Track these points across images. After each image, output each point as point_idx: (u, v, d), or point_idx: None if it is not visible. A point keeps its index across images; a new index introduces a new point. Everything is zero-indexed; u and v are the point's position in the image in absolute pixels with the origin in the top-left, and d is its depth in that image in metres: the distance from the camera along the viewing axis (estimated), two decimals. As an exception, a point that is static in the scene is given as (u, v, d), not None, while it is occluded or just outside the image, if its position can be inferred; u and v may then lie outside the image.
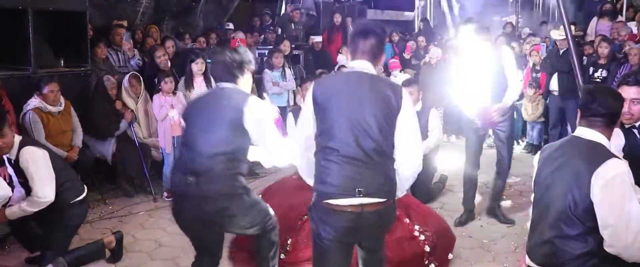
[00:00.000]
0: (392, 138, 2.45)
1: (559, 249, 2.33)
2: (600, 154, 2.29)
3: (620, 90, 2.67)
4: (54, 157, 3.49)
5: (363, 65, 2.51)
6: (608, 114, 2.36)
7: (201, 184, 2.68)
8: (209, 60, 6.33)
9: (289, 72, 6.92)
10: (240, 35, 7.57)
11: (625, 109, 2.63)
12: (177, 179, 2.81)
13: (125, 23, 6.82)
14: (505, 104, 4.36)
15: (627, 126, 2.86)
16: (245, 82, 2.93)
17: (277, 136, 2.81)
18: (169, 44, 6.39)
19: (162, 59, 5.77)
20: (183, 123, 2.95)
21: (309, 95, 2.54)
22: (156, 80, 5.41)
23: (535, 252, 2.48)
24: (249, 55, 2.95)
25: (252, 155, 2.87)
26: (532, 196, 2.58)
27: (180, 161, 2.89)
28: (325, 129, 2.46)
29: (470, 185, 4.61)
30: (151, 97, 5.45)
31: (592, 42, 7.41)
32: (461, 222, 4.52)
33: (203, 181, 2.68)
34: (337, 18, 9.31)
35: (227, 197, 2.73)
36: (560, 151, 2.45)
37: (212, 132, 2.72)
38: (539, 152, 2.59)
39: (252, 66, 2.99)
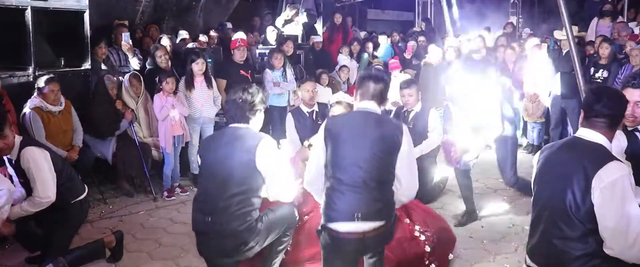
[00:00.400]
0: (392, 169, 2.74)
1: (560, 249, 2.33)
2: (601, 156, 2.28)
3: (624, 93, 2.67)
4: (54, 157, 3.49)
5: (370, 106, 2.81)
6: (611, 116, 2.35)
7: (218, 224, 2.91)
8: (210, 60, 6.34)
9: (289, 72, 6.92)
10: (241, 35, 7.56)
11: (629, 111, 2.63)
12: (197, 218, 3.02)
13: (126, 23, 6.81)
14: (474, 148, 4.34)
15: (629, 129, 2.85)
16: (257, 121, 3.08)
17: (288, 176, 3.04)
18: (166, 42, 6.40)
19: (163, 59, 5.77)
20: (199, 160, 3.16)
21: (321, 129, 2.85)
22: (157, 80, 5.41)
23: (536, 253, 2.48)
24: (260, 96, 3.07)
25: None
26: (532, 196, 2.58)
27: (198, 200, 3.07)
28: (333, 159, 2.75)
29: (464, 186, 4.60)
30: (151, 97, 5.45)
31: (593, 42, 7.41)
32: (461, 223, 4.52)
33: (220, 221, 2.91)
34: (338, 18, 9.31)
35: (242, 232, 2.92)
36: (561, 152, 2.45)
37: (226, 174, 2.91)
38: (538, 152, 2.59)
39: (264, 106, 3.12)
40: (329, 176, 2.77)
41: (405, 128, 2.79)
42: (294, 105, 7.12)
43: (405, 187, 2.78)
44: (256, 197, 2.98)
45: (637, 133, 2.86)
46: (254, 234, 2.95)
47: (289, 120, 4.93)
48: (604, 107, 2.33)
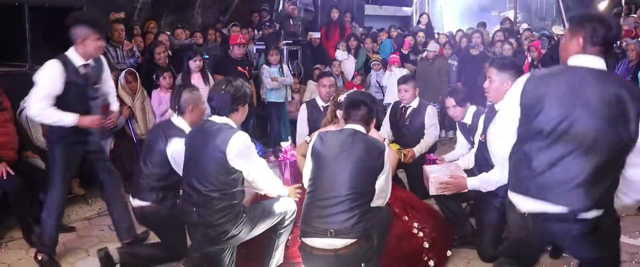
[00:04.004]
0: (372, 186, 2.88)
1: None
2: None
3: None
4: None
5: (357, 127, 2.95)
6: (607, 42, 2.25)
7: (202, 215, 2.98)
8: (207, 56, 6.34)
9: (286, 68, 6.98)
10: (236, 30, 7.57)
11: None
12: (185, 209, 3.06)
13: (122, 15, 6.77)
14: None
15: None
16: (238, 115, 3.07)
17: (265, 170, 3.07)
18: (163, 38, 6.38)
19: (162, 55, 5.77)
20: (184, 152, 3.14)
21: (310, 145, 2.97)
22: (154, 76, 5.40)
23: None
24: (245, 90, 3.05)
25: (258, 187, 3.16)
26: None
27: (185, 192, 3.11)
28: (315, 175, 2.89)
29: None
30: (149, 94, 5.44)
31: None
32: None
33: (203, 213, 2.97)
34: (334, 14, 9.32)
35: (224, 224, 2.96)
36: (569, 78, 2.23)
37: (202, 172, 2.95)
38: (521, 79, 2.34)
39: (248, 99, 3.11)
40: (310, 191, 2.89)
41: (387, 148, 2.97)
42: (292, 100, 7.16)
43: (377, 195, 2.95)
44: (236, 191, 2.99)
45: None
46: (237, 225, 2.99)
47: (303, 111, 4.91)
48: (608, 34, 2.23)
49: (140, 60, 6.26)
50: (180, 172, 3.23)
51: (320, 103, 4.91)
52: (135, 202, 3.38)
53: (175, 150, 3.25)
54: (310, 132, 4.58)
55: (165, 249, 3.52)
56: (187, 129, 3.36)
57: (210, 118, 3.07)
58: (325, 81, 4.96)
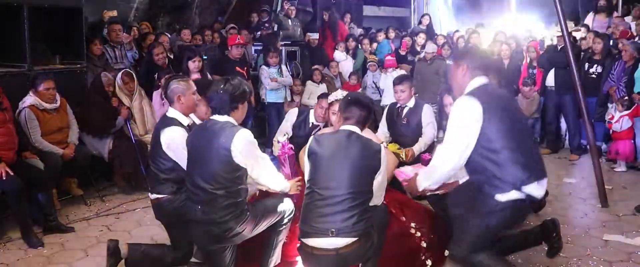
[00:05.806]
0: (370, 187, 2.90)
1: None
2: None
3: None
4: None
5: (353, 129, 2.98)
6: None
7: (206, 213, 3.00)
8: (205, 57, 6.35)
9: (285, 68, 7.00)
10: (235, 31, 7.58)
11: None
12: (190, 207, 3.10)
13: (114, 13, 6.78)
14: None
15: None
16: (238, 113, 3.09)
17: (268, 166, 3.11)
18: (164, 39, 6.40)
19: (160, 56, 5.78)
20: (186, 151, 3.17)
21: (306, 146, 2.99)
22: (156, 76, 5.41)
23: None
24: (244, 88, 3.06)
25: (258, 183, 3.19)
26: None
27: (189, 191, 3.12)
28: (313, 175, 2.90)
29: None
30: (148, 94, 5.44)
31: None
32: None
33: (207, 210, 2.99)
34: (326, 16, 9.38)
35: (228, 221, 2.99)
36: None
37: (207, 170, 2.96)
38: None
39: (247, 96, 3.12)
40: (309, 192, 2.91)
41: (383, 149, 2.99)
42: (292, 101, 7.18)
43: (374, 195, 2.97)
44: (240, 188, 3.01)
45: None
46: (241, 223, 3.02)
47: (293, 114, 4.93)
48: None
49: (137, 57, 6.30)
50: (178, 160, 3.26)
51: (312, 120, 4.84)
52: (153, 196, 3.42)
53: (169, 136, 3.27)
54: (292, 137, 4.60)
55: (173, 250, 3.52)
56: (181, 118, 3.38)
57: (212, 117, 3.09)
58: (323, 103, 4.68)
